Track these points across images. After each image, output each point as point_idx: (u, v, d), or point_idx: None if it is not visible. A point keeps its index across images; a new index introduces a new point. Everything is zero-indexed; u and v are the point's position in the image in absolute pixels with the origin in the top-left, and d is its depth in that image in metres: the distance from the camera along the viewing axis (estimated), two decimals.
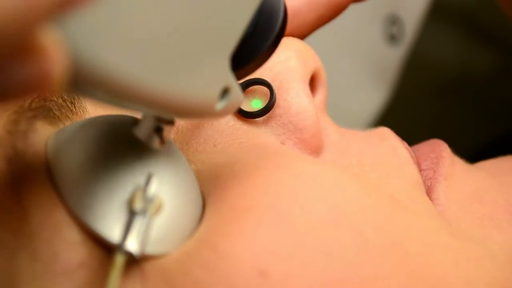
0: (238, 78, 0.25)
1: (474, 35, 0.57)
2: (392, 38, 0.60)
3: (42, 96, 0.18)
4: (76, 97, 0.28)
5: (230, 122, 0.30)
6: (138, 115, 0.27)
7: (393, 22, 0.60)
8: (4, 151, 0.25)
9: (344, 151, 0.31)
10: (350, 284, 0.25)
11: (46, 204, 0.24)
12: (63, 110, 0.27)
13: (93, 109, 0.28)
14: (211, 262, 0.24)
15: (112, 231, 0.24)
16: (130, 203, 0.24)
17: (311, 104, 0.30)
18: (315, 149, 0.30)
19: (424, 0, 0.58)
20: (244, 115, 0.30)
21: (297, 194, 0.26)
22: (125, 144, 0.25)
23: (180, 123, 0.30)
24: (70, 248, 0.24)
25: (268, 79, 0.30)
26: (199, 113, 0.24)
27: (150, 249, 0.24)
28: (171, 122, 0.25)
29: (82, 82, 0.19)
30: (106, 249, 0.24)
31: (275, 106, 0.30)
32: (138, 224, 0.24)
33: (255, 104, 0.30)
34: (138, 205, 0.24)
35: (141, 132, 0.25)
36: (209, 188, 0.27)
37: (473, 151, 0.53)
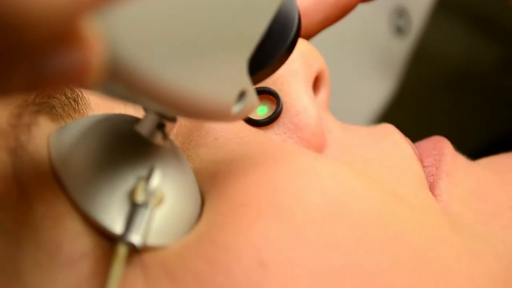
0: (253, 83, 0.26)
1: (480, 28, 0.56)
2: (399, 30, 0.60)
3: (78, 86, 0.18)
4: (79, 95, 0.28)
5: None
6: (140, 115, 0.27)
7: (400, 14, 0.60)
8: (7, 143, 0.25)
9: (347, 147, 0.31)
10: (350, 276, 0.25)
11: (49, 195, 0.24)
12: (66, 108, 0.27)
13: (96, 107, 0.29)
14: (211, 254, 0.24)
15: (114, 222, 0.24)
16: (132, 195, 0.24)
17: (312, 104, 0.30)
18: (317, 148, 0.30)
19: None
20: (250, 123, 0.30)
21: (295, 188, 0.26)
22: (127, 138, 0.25)
23: (182, 118, 0.30)
24: (73, 239, 0.24)
25: (271, 81, 0.30)
26: (216, 115, 0.24)
27: (151, 241, 0.25)
28: (173, 119, 0.25)
29: (115, 75, 0.20)
30: (109, 240, 0.24)
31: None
32: (140, 216, 0.24)
33: (261, 110, 0.31)
34: (140, 197, 0.24)
35: (144, 128, 0.25)
36: (208, 185, 0.27)
37: (477, 146, 0.53)
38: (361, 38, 0.61)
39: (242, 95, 0.25)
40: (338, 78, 0.59)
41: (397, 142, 0.31)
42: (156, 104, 0.22)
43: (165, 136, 0.26)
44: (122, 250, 0.23)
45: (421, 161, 0.31)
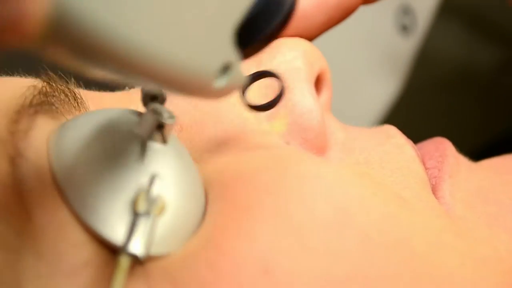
0: (245, 57, 0.24)
1: (484, 30, 0.57)
2: (404, 29, 0.60)
3: (18, 43, 0.16)
4: (78, 96, 0.28)
5: (235, 120, 0.29)
6: (137, 107, 0.26)
7: (406, 12, 0.60)
8: (6, 151, 0.25)
9: (350, 149, 0.31)
10: (355, 283, 0.25)
11: (49, 204, 0.24)
12: (66, 106, 0.27)
13: (94, 107, 0.28)
14: (215, 261, 0.24)
15: (116, 233, 0.24)
16: (133, 205, 0.24)
17: (316, 104, 0.30)
18: (320, 149, 0.30)
19: None
20: (250, 107, 0.29)
21: (301, 194, 0.26)
22: (127, 143, 0.25)
23: (184, 121, 0.29)
24: (74, 249, 0.24)
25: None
26: (196, 87, 0.22)
27: (154, 250, 0.24)
28: (172, 118, 0.25)
29: (60, 34, 0.17)
30: (111, 249, 0.24)
31: (280, 106, 0.30)
32: (142, 226, 0.24)
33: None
34: (141, 206, 0.24)
35: (142, 129, 0.25)
36: (212, 186, 0.27)
37: (479, 147, 0.53)
38: (366, 37, 0.61)
39: (226, 68, 0.23)
40: (343, 77, 0.59)
41: (399, 144, 0.31)
42: (122, 73, 0.20)
43: (165, 138, 0.25)
44: (124, 261, 0.23)
45: (424, 163, 0.31)
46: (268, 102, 0.28)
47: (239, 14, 0.22)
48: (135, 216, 0.24)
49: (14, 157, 0.24)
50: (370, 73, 0.61)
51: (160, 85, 0.22)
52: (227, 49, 0.23)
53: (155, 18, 0.19)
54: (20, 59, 0.24)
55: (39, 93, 0.26)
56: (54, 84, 0.27)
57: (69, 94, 0.27)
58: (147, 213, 0.24)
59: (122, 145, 0.25)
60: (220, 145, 0.29)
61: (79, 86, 0.29)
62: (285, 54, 0.30)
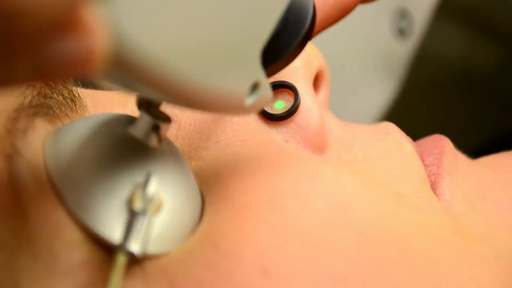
0: (270, 74, 0.25)
1: (481, 30, 0.57)
2: (401, 32, 0.60)
3: (82, 74, 0.18)
4: (76, 96, 0.28)
5: (234, 118, 0.29)
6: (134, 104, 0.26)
7: (403, 16, 0.60)
8: (3, 150, 0.25)
9: (349, 146, 0.31)
10: (353, 282, 0.24)
11: (45, 204, 0.24)
12: (63, 108, 0.27)
13: (93, 108, 0.28)
14: (213, 261, 0.24)
15: (112, 231, 0.24)
16: (130, 203, 0.24)
17: (314, 103, 0.30)
18: (319, 147, 0.30)
19: None
20: (267, 117, 0.30)
21: (298, 192, 0.26)
22: (122, 143, 0.25)
23: (183, 119, 0.29)
24: (71, 248, 0.24)
25: (273, 79, 0.30)
26: (229, 107, 0.24)
27: (151, 249, 0.24)
28: (168, 120, 0.25)
29: (119, 64, 0.19)
30: (107, 248, 0.24)
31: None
32: (139, 224, 0.24)
33: (278, 105, 0.31)
34: (138, 205, 0.24)
35: (138, 130, 0.25)
36: (209, 185, 0.27)
37: (477, 145, 0.53)
38: (363, 40, 0.61)
39: (255, 87, 0.24)
40: (340, 80, 0.59)
41: (398, 141, 0.31)
42: (164, 96, 0.22)
43: (161, 138, 0.25)
44: (121, 260, 0.23)
45: (422, 160, 0.31)
46: (284, 112, 0.30)
47: (266, 36, 0.24)
48: (132, 214, 0.24)
49: (11, 155, 0.24)
50: (367, 77, 0.61)
51: (198, 106, 0.23)
52: (256, 69, 0.24)
53: (197, 50, 0.21)
54: None
55: (39, 93, 0.26)
56: (52, 84, 0.27)
57: (67, 96, 0.27)
58: (144, 211, 0.24)
59: (118, 146, 0.25)
60: (219, 142, 0.29)
61: (77, 84, 0.29)
62: None
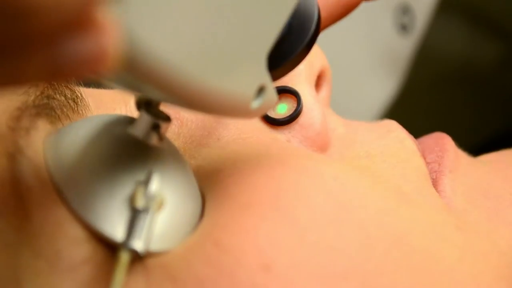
0: (273, 79, 0.26)
1: (484, 27, 0.56)
2: (403, 28, 0.60)
3: (94, 75, 0.18)
4: (78, 96, 0.28)
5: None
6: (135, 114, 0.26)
7: (404, 11, 0.60)
8: (6, 148, 0.25)
9: (351, 144, 0.31)
10: (354, 278, 0.25)
11: (48, 202, 0.24)
12: (65, 109, 0.27)
13: (95, 107, 0.29)
14: (214, 257, 0.24)
15: (115, 229, 0.24)
16: (132, 201, 0.24)
17: (316, 103, 0.30)
18: (322, 146, 0.30)
19: None
20: (270, 121, 0.30)
21: (299, 190, 0.26)
22: (123, 142, 0.25)
23: (185, 116, 0.29)
24: (74, 245, 0.24)
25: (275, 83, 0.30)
26: (235, 110, 0.24)
27: (154, 246, 0.24)
28: (168, 119, 0.25)
29: (131, 66, 0.20)
30: (110, 246, 0.24)
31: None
32: (141, 222, 0.24)
33: (280, 109, 0.31)
34: (140, 202, 0.24)
35: (139, 130, 0.25)
36: (210, 183, 0.27)
37: (479, 142, 0.53)
38: (365, 36, 0.61)
39: (261, 90, 0.25)
40: (343, 76, 0.59)
41: (400, 138, 0.31)
42: (172, 98, 0.22)
43: (161, 137, 0.25)
44: (124, 257, 0.23)
45: (424, 157, 0.31)
46: (286, 117, 0.30)
47: (272, 39, 0.24)
48: (134, 212, 0.24)
49: (13, 154, 0.24)
50: (369, 72, 0.61)
51: (205, 109, 0.23)
52: (262, 73, 0.24)
53: (207, 53, 0.22)
54: None
55: (42, 93, 0.26)
56: (55, 84, 0.27)
57: (69, 96, 0.27)
58: (146, 209, 0.24)
59: (119, 145, 0.25)
60: (220, 140, 0.29)
61: (79, 83, 0.29)
62: None
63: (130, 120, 0.26)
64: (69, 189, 0.24)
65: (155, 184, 0.24)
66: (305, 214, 0.25)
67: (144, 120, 0.25)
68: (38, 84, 0.26)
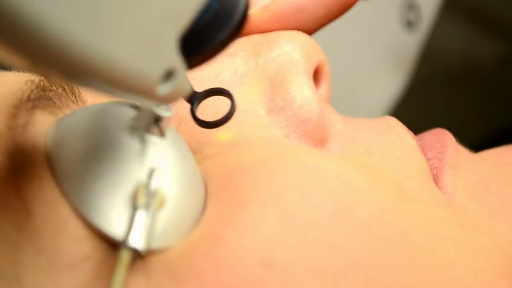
0: (192, 66, 0.24)
1: (488, 25, 0.56)
2: (409, 24, 0.59)
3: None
4: (76, 89, 0.28)
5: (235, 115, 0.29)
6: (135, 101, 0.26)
7: (410, 7, 0.59)
8: (5, 146, 0.25)
9: (350, 140, 0.31)
10: (355, 275, 0.25)
11: (48, 199, 0.24)
12: (63, 100, 0.27)
13: (92, 101, 0.28)
14: (215, 254, 0.24)
15: (116, 227, 0.24)
16: (133, 199, 0.24)
17: (314, 96, 0.30)
18: (320, 141, 0.30)
19: None
20: (201, 124, 0.27)
21: (301, 187, 0.26)
22: (124, 137, 0.25)
23: (183, 114, 0.30)
24: (75, 243, 0.24)
25: (271, 71, 0.30)
26: (139, 91, 0.22)
27: (155, 244, 0.24)
28: (169, 112, 0.25)
29: None
30: (111, 243, 0.24)
31: (278, 99, 0.30)
32: (142, 220, 0.24)
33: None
34: (141, 200, 0.24)
35: (140, 123, 0.25)
36: (211, 180, 0.27)
37: (481, 138, 0.53)
38: (371, 32, 0.60)
39: (170, 75, 0.23)
40: (348, 72, 0.59)
41: (400, 134, 0.31)
42: (65, 72, 0.20)
43: (163, 131, 0.25)
44: (125, 256, 0.23)
45: (424, 154, 0.31)
46: (218, 120, 0.27)
47: (184, 21, 0.22)
48: (135, 210, 0.24)
49: (12, 152, 0.24)
50: (375, 69, 0.61)
51: (104, 86, 0.21)
52: (171, 55, 0.22)
53: (99, 18, 0.19)
54: None
55: (37, 87, 0.26)
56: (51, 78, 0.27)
57: (66, 88, 0.27)
58: (147, 206, 0.24)
59: (120, 140, 0.25)
60: (220, 137, 0.29)
61: None
62: (283, 47, 0.30)
63: (132, 109, 0.26)
64: (70, 185, 0.24)
65: (156, 182, 0.24)
66: (306, 211, 0.25)
67: (145, 113, 0.25)
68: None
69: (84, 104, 0.28)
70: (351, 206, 0.26)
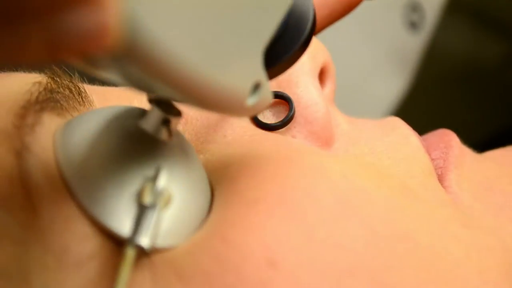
0: (268, 78, 0.26)
1: (491, 25, 0.56)
2: (413, 25, 0.59)
3: (94, 54, 0.18)
4: (83, 90, 0.28)
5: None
6: (140, 101, 0.26)
7: (414, 9, 0.59)
8: (12, 145, 0.25)
9: (355, 140, 0.31)
10: (361, 275, 0.25)
11: (55, 198, 0.24)
12: (71, 102, 0.27)
13: (99, 104, 0.29)
14: (220, 252, 0.24)
15: (122, 225, 0.24)
16: (139, 197, 0.24)
17: (320, 97, 0.30)
18: (326, 141, 0.30)
19: None
20: (261, 126, 0.30)
21: (306, 187, 0.26)
22: (133, 137, 0.25)
23: (189, 113, 0.30)
24: (81, 241, 0.24)
25: None
26: (230, 105, 0.24)
27: (160, 242, 0.24)
28: (178, 114, 0.25)
29: (129, 47, 0.19)
30: (117, 241, 0.24)
31: (278, 103, 0.30)
32: (148, 218, 0.24)
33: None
34: (147, 198, 0.24)
35: (149, 124, 0.25)
36: (217, 178, 0.27)
37: (485, 139, 0.53)
38: (375, 33, 0.61)
39: (257, 87, 0.24)
40: (352, 73, 0.59)
41: (405, 135, 0.31)
42: (169, 90, 0.22)
43: (171, 132, 0.25)
44: (130, 253, 0.23)
45: (429, 154, 0.31)
46: (278, 122, 0.30)
47: (269, 35, 0.24)
48: (141, 208, 0.24)
49: (20, 151, 0.25)
50: (379, 69, 0.61)
51: (201, 102, 0.23)
52: (259, 69, 0.24)
53: (203, 42, 0.21)
54: None
55: (45, 89, 0.27)
56: (58, 80, 0.27)
57: (73, 90, 0.28)
58: (153, 205, 0.24)
59: (128, 140, 0.25)
60: (226, 137, 0.29)
61: (83, 81, 0.29)
62: None
63: (141, 113, 0.26)
64: (77, 183, 0.24)
65: (163, 180, 0.24)
66: (312, 211, 0.25)
67: (154, 114, 0.25)
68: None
69: (91, 105, 0.28)
70: (356, 206, 0.26)
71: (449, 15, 0.58)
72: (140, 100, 0.29)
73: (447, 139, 0.32)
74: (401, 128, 0.32)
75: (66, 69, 0.28)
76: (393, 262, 0.25)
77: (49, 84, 0.27)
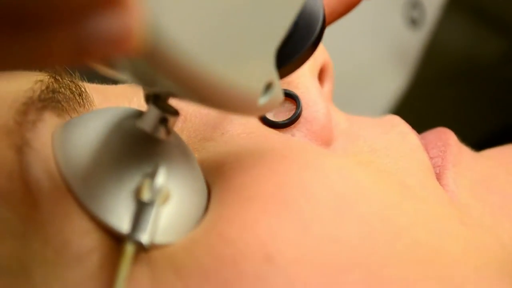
0: (281, 77, 0.26)
1: (491, 23, 0.56)
2: (413, 22, 0.59)
3: (118, 57, 0.18)
4: (83, 91, 0.28)
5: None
6: (139, 99, 0.26)
7: (414, 5, 0.59)
8: (13, 141, 0.25)
9: (354, 139, 0.31)
10: (357, 270, 0.25)
11: (56, 193, 0.25)
12: (71, 103, 0.27)
13: (99, 103, 0.29)
14: (217, 249, 0.24)
15: (121, 221, 0.24)
16: (138, 194, 0.24)
17: (320, 97, 0.31)
18: (326, 140, 0.30)
19: None
20: (269, 124, 0.30)
21: (302, 183, 0.26)
22: (131, 135, 0.25)
23: (188, 111, 0.30)
24: (81, 236, 0.24)
25: None
26: (243, 105, 0.24)
27: (159, 239, 0.25)
28: (176, 113, 0.25)
29: (151, 50, 0.20)
30: (116, 237, 0.25)
31: (284, 100, 0.30)
32: (147, 214, 0.24)
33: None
34: (146, 195, 0.24)
35: (147, 123, 0.25)
36: (214, 177, 0.27)
37: (487, 137, 0.53)
38: (375, 30, 0.60)
39: (269, 87, 0.25)
40: (352, 70, 0.59)
41: (403, 133, 0.32)
42: (185, 91, 0.22)
43: (169, 131, 0.26)
44: (129, 249, 0.24)
45: (427, 152, 0.31)
46: (286, 120, 0.30)
47: (281, 35, 0.24)
48: (140, 204, 0.24)
49: (21, 147, 0.25)
50: (379, 67, 0.61)
51: (214, 102, 0.23)
52: (271, 69, 0.25)
53: (220, 44, 0.22)
54: None
55: (47, 88, 0.27)
56: (60, 79, 0.27)
57: (74, 90, 0.28)
58: (152, 202, 0.24)
59: (127, 138, 0.25)
60: (224, 134, 0.29)
61: (83, 79, 0.29)
62: None
63: (139, 114, 0.26)
64: (77, 180, 0.25)
65: (161, 178, 0.25)
66: (308, 207, 0.25)
67: (152, 113, 0.25)
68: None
69: (91, 105, 0.28)
70: (353, 202, 0.26)
71: (450, 12, 0.58)
72: (139, 99, 0.30)
73: (445, 138, 0.32)
74: (400, 126, 0.32)
75: (67, 68, 0.28)
76: (390, 258, 0.25)
77: (51, 84, 0.27)
